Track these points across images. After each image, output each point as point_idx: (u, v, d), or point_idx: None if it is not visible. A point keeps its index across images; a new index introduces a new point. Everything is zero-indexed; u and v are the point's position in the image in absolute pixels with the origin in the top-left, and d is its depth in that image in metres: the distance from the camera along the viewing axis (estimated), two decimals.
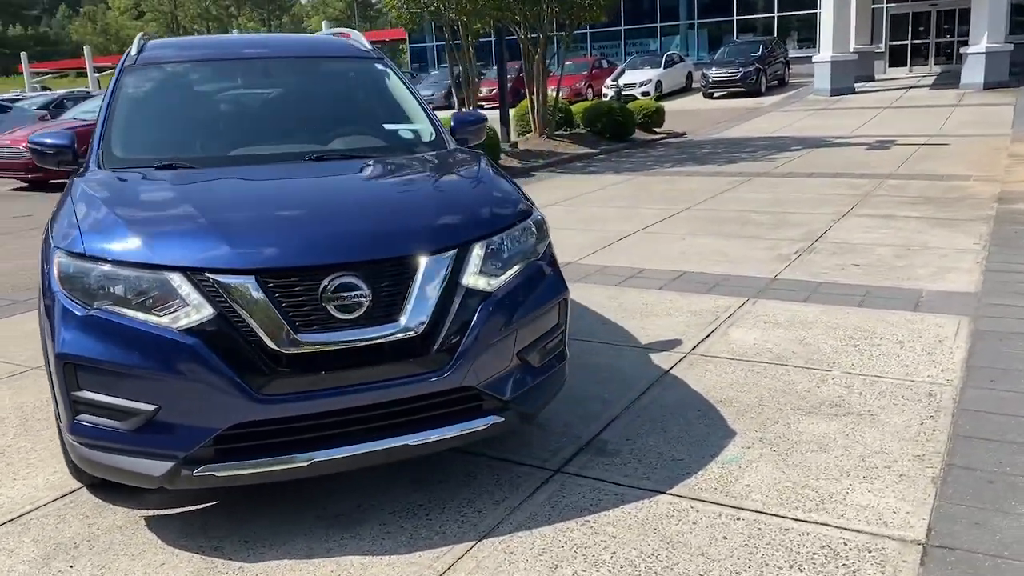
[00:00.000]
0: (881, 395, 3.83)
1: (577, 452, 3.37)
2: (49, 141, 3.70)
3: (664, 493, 2.98)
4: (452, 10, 14.52)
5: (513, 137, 16.20)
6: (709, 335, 4.84)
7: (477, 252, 2.92)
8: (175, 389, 2.56)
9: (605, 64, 33.09)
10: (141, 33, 4.78)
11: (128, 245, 2.70)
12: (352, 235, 2.86)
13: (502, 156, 14.19)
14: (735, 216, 8.75)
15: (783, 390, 3.99)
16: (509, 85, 17.06)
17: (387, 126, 4.35)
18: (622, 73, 30.06)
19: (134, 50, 4.40)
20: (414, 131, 4.26)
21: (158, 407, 2.55)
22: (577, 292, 4.97)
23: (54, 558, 2.75)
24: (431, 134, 4.17)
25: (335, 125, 4.35)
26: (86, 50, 48.20)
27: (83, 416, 2.64)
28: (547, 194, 10.98)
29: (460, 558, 2.64)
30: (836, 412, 3.66)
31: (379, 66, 4.58)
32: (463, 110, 15.12)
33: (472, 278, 2.85)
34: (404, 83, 4.50)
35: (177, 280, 2.56)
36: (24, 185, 15.00)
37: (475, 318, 2.77)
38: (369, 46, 4.85)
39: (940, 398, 3.72)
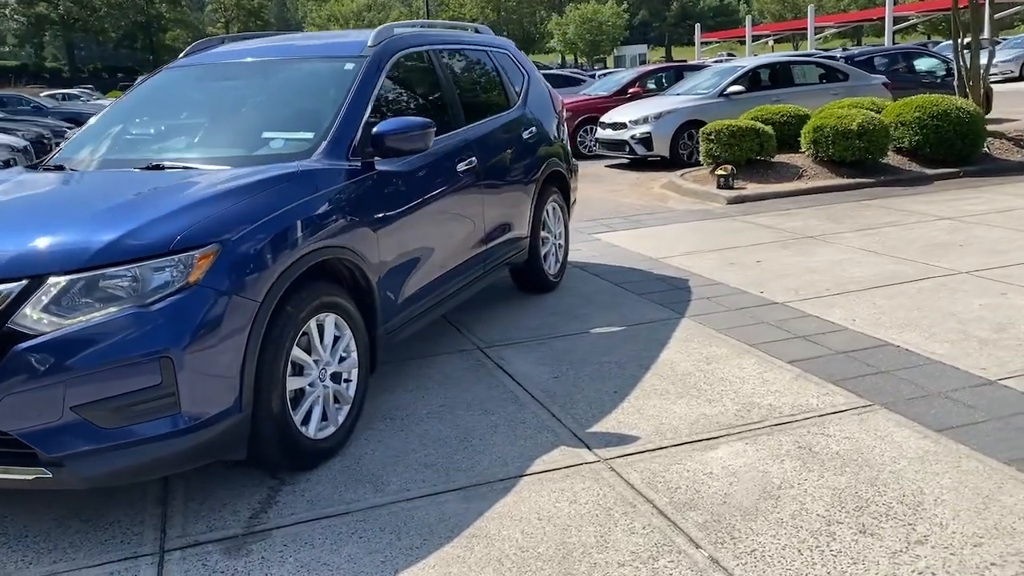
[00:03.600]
0: None
1: None
2: None
3: None
4: None
5: None
6: None
7: (52, 285, 2.55)
8: None
9: None
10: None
11: None
12: None
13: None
14: None
15: None
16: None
17: (266, 134, 3.96)
18: None
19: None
20: (293, 140, 3.80)
21: None
22: None
23: None
24: (313, 144, 3.60)
25: (222, 134, 4.18)
26: (747, 20, 45.47)
27: None
28: None
29: None
30: None
31: (348, 66, 4.08)
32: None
33: (29, 315, 2.51)
34: (365, 83, 3.92)
35: None
36: None
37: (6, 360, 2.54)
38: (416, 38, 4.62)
39: None
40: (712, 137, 9.61)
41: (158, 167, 3.64)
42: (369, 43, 4.23)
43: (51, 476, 2.57)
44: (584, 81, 19.81)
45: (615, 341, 4.71)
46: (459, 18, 52.94)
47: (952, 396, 3.62)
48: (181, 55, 5.11)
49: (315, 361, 3.24)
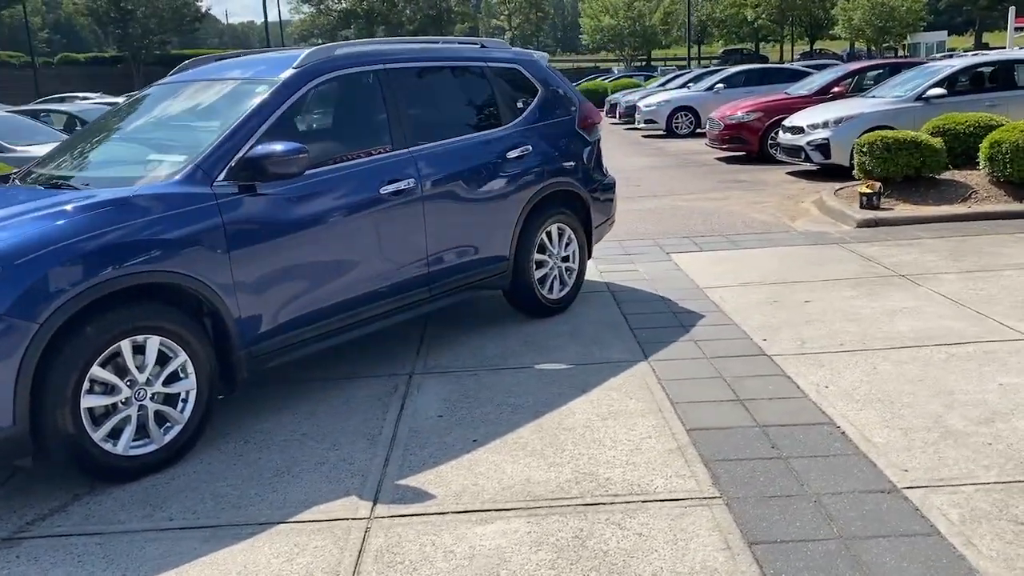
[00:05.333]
0: None
1: None
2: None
3: None
4: None
5: None
6: None
7: None
8: None
9: None
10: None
11: None
12: None
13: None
14: None
15: None
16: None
17: (152, 156, 4.13)
18: None
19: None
20: (167, 162, 3.85)
21: None
22: None
23: None
24: (177, 169, 3.65)
25: (124, 154, 4.40)
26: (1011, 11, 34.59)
27: None
28: None
29: None
30: None
31: (260, 88, 4.13)
32: None
33: None
34: (264, 106, 3.92)
35: None
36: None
37: None
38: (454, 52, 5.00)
39: None
40: (865, 149, 8.49)
41: (56, 184, 3.95)
42: (293, 64, 4.26)
43: None
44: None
45: (543, 382, 4.42)
46: (737, 4, 50.17)
47: (822, 500, 2.99)
48: (171, 72, 5.24)
49: (129, 381, 3.31)
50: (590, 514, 3.02)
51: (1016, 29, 33.81)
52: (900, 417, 3.77)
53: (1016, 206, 8.11)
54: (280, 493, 3.30)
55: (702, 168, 13.61)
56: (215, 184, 3.71)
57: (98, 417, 3.31)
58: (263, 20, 57.06)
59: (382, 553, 2.80)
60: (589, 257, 5.91)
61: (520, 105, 5.39)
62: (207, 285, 3.57)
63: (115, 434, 3.36)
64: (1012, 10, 30.85)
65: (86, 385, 3.23)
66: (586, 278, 6.21)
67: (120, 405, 3.35)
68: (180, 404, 3.56)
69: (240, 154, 3.77)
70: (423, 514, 3.08)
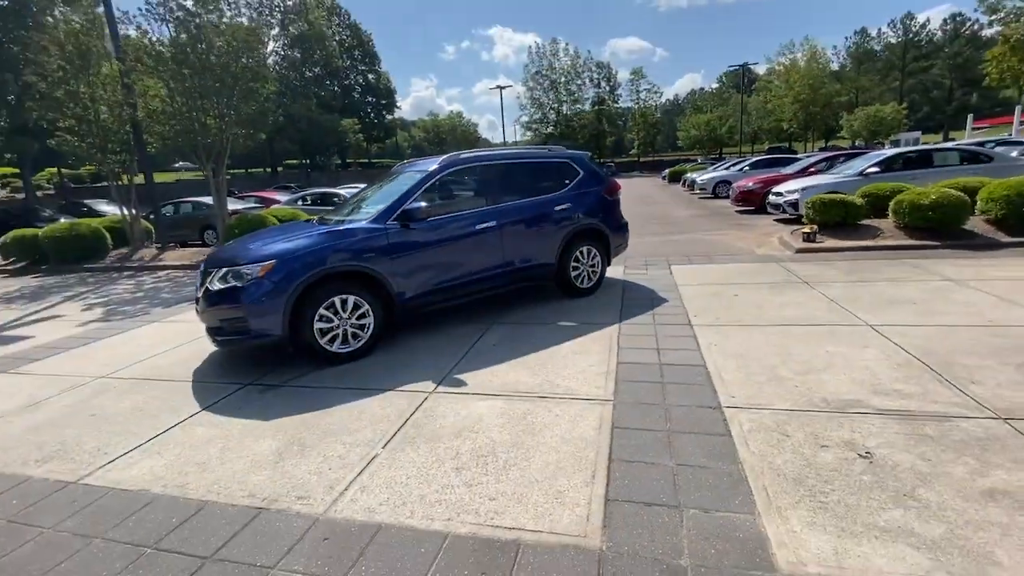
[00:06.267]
0: None
1: None
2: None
3: None
4: None
5: None
6: None
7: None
8: None
9: None
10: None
11: None
12: None
13: None
14: None
15: None
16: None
17: (367, 209, 6.32)
18: None
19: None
20: (371, 213, 6.04)
21: None
22: None
23: None
24: (371, 216, 6.07)
25: (361, 208, 6.76)
26: (1017, 109, 28.93)
27: None
28: None
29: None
30: None
31: (417, 175, 6.26)
32: None
33: None
34: (416, 185, 6.13)
35: None
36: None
37: None
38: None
39: None
40: (810, 205, 10.46)
41: (324, 221, 5.73)
42: (438, 163, 6.01)
43: None
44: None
45: (555, 332, 5.94)
46: (776, 119, 63.95)
47: (669, 408, 4.06)
48: (395, 166, 7.03)
49: (338, 317, 5.06)
50: (538, 401, 3.99)
51: (974, 128, 36.67)
52: (748, 366, 4.41)
53: (907, 241, 9.21)
54: (396, 377, 4.66)
55: (722, 216, 16.16)
56: (388, 223, 5.30)
57: (323, 332, 4.91)
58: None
59: (425, 409, 3.98)
60: (608, 265, 7.35)
61: (567, 181, 6.88)
62: (380, 273, 5.14)
63: (330, 341, 4.92)
64: (970, 116, 35.48)
65: (317, 316, 4.82)
66: (612, 276, 7.77)
67: (334, 327, 4.96)
68: (364, 330, 5.11)
69: (400, 208, 5.42)
70: (455, 393, 4.26)
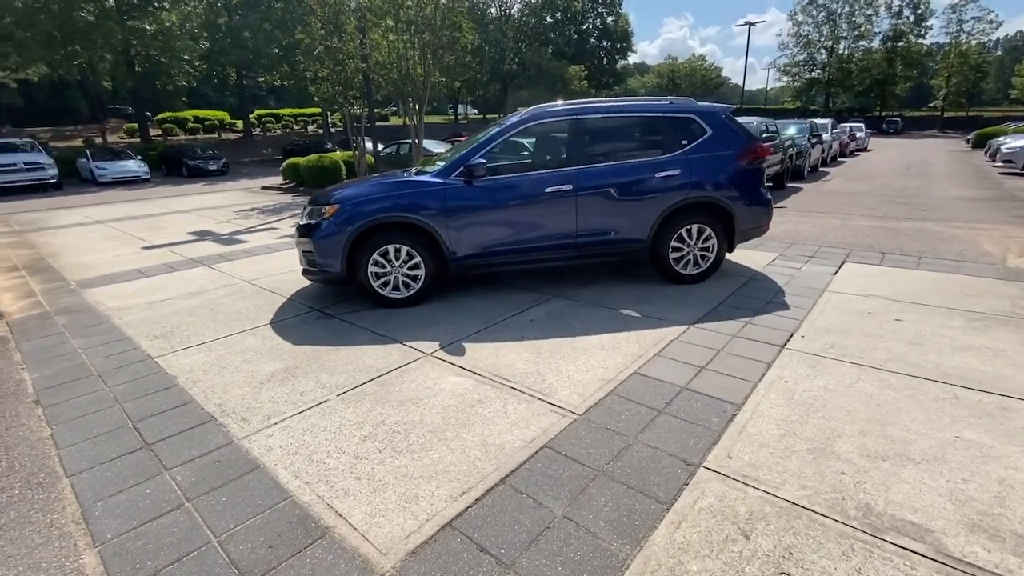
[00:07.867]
0: None
1: None
2: None
3: None
4: None
5: None
6: None
7: None
8: None
9: None
10: None
11: None
12: None
13: None
14: None
15: None
16: None
17: (440, 162, 6.31)
18: None
19: None
20: (438, 166, 6.08)
21: None
22: None
23: None
24: (438, 170, 6.11)
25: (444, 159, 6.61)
26: None
27: None
28: None
29: None
30: None
31: (494, 129, 6.04)
32: None
33: None
34: (488, 139, 5.96)
35: None
36: None
37: None
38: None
39: None
40: None
41: (420, 172, 5.89)
42: (516, 117, 5.72)
43: None
44: None
45: (607, 320, 5.29)
46: None
47: (670, 406, 3.32)
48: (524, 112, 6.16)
49: (391, 264, 5.37)
50: (504, 392, 3.70)
51: None
52: (799, 423, 3.46)
53: None
54: (418, 332, 4.79)
55: (1013, 204, 10.92)
56: (449, 179, 5.34)
57: (377, 276, 5.26)
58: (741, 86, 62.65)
59: (403, 371, 4.07)
60: (730, 251, 6.03)
61: (684, 141, 5.75)
62: (432, 227, 5.32)
63: (383, 286, 5.24)
64: None
65: (371, 262, 5.18)
66: (747, 265, 6.44)
67: (387, 273, 5.26)
68: (416, 281, 5.31)
69: (464, 164, 5.36)
70: (441, 361, 4.20)
